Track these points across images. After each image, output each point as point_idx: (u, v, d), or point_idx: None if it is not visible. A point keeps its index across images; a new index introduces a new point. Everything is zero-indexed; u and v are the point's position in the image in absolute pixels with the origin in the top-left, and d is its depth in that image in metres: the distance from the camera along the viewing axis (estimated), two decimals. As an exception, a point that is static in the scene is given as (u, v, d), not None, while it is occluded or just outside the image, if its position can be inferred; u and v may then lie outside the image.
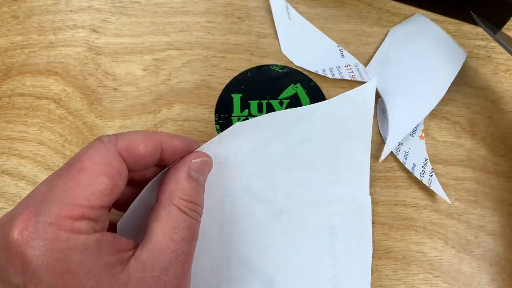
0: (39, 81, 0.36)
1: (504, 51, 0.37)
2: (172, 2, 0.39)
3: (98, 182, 0.22)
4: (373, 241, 0.31)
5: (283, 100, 0.35)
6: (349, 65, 0.36)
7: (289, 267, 0.30)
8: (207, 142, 0.28)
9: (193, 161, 0.25)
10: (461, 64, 0.35)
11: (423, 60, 0.35)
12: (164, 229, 0.23)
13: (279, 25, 0.38)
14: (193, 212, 0.24)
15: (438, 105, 0.34)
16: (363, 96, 0.31)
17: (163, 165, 0.27)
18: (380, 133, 0.35)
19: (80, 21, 0.38)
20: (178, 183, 0.24)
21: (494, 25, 0.37)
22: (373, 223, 0.32)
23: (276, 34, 0.38)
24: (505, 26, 0.37)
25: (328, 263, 0.30)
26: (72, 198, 0.21)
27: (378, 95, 0.35)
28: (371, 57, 0.37)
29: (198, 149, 0.27)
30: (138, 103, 0.36)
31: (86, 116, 0.35)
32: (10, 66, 0.37)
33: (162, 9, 0.39)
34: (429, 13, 0.38)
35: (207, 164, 0.27)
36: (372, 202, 0.31)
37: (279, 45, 0.37)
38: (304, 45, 0.38)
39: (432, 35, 0.36)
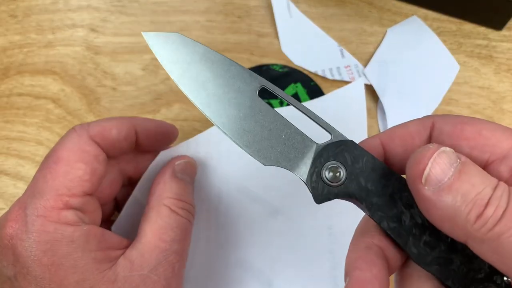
0: (37, 81, 0.36)
1: (505, 50, 0.37)
2: (172, 1, 0.39)
3: (75, 168, 0.22)
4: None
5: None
6: (349, 66, 0.36)
7: (287, 268, 0.29)
8: (192, 137, 0.28)
9: (176, 163, 0.26)
10: (454, 76, 0.35)
11: (419, 68, 0.35)
12: (154, 229, 0.23)
13: (279, 23, 0.38)
14: (185, 211, 0.24)
15: (439, 105, 0.34)
16: (353, 96, 0.31)
17: (145, 152, 0.27)
18: (380, 133, 0.34)
19: (79, 20, 0.38)
20: (165, 183, 0.25)
21: (494, 25, 0.37)
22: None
23: (276, 33, 0.37)
24: (506, 26, 0.37)
25: (326, 264, 0.29)
26: (53, 189, 0.21)
27: (377, 97, 0.35)
28: (372, 56, 0.37)
29: (184, 144, 0.28)
30: (137, 103, 0.36)
31: (85, 116, 0.35)
32: (8, 66, 0.37)
33: (161, 8, 0.39)
34: (430, 12, 0.38)
35: (191, 165, 0.27)
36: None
37: (279, 44, 0.37)
38: (305, 44, 0.37)
39: (428, 44, 0.36)
